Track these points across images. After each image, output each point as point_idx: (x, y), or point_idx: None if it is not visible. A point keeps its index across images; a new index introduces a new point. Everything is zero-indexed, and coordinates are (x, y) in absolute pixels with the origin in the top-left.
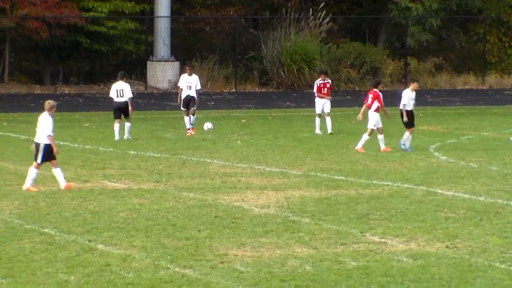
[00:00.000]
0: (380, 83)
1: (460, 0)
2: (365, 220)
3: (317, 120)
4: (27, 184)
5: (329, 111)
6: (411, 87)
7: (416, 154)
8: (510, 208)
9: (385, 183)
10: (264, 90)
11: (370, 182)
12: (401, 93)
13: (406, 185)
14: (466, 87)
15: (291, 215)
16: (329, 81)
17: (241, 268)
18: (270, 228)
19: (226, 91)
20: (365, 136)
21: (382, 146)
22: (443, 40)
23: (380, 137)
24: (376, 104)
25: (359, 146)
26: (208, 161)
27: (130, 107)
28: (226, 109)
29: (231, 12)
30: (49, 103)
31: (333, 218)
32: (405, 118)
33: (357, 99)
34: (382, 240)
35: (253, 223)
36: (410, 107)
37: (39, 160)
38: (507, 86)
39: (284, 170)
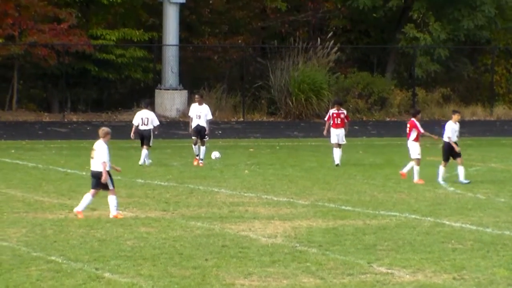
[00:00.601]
0: (419, 112)
1: (468, 31)
2: (372, 251)
3: (335, 150)
4: (113, 212)
5: (343, 142)
6: (453, 118)
7: (423, 185)
8: None
9: (393, 213)
10: (272, 119)
11: (377, 212)
12: (406, 122)
13: (413, 216)
14: (474, 118)
15: (298, 245)
16: (344, 111)
17: None
18: (277, 258)
19: (234, 120)
20: (416, 168)
21: (416, 178)
22: (451, 71)
23: (417, 168)
24: (414, 134)
25: (416, 178)
26: (216, 190)
27: (152, 134)
28: (233, 138)
29: (239, 41)
30: (103, 130)
31: (340, 249)
32: (457, 149)
33: (365, 130)
34: (389, 271)
35: (260, 253)
36: (454, 139)
37: (110, 187)
38: None
39: (291, 200)
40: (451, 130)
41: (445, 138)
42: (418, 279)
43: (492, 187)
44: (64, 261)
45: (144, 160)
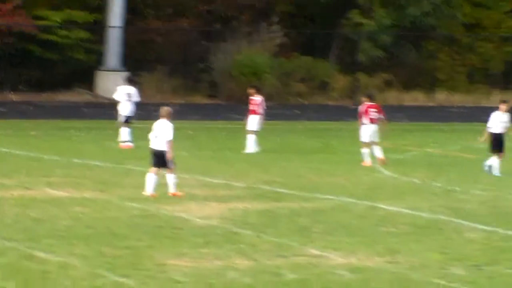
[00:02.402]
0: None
1: (413, 18)
2: (306, 233)
3: (365, 151)
4: (172, 190)
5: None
6: (501, 108)
7: (360, 168)
8: (452, 225)
9: (329, 197)
10: (212, 102)
11: (313, 195)
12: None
13: (349, 200)
14: (415, 103)
15: (232, 227)
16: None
17: (180, 278)
18: (211, 239)
19: (175, 102)
20: (366, 151)
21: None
22: (394, 57)
23: (366, 151)
24: (372, 117)
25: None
26: None
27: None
28: (173, 120)
29: (184, 24)
30: (166, 109)
31: (275, 231)
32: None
33: (306, 113)
34: (323, 253)
35: (194, 234)
36: (499, 130)
37: (172, 166)
38: (455, 103)
39: (228, 182)
40: (495, 120)
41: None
42: (350, 262)
43: (428, 172)
44: None
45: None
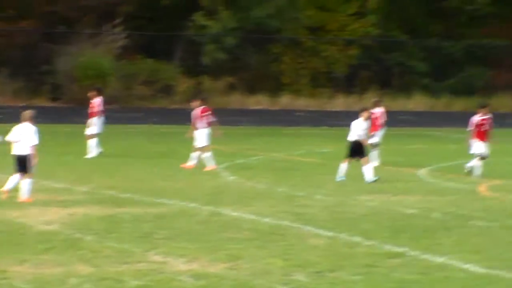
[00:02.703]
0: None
1: (258, 20)
2: (149, 239)
3: (206, 155)
4: (25, 196)
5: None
6: (363, 117)
7: (204, 173)
8: (294, 230)
9: (172, 202)
10: (56, 105)
11: (156, 201)
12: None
13: (192, 205)
14: (258, 107)
15: (74, 232)
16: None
17: (21, 285)
18: (52, 245)
19: (17, 105)
20: (203, 155)
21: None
22: (238, 59)
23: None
24: (206, 121)
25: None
26: None
27: None
28: (15, 122)
29: (26, 26)
30: (28, 113)
31: (117, 236)
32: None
33: (149, 117)
34: (165, 259)
35: (35, 240)
36: (358, 136)
37: (31, 171)
38: (299, 107)
39: (70, 186)
40: (358, 128)
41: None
42: (193, 268)
43: (272, 177)
44: None
45: None
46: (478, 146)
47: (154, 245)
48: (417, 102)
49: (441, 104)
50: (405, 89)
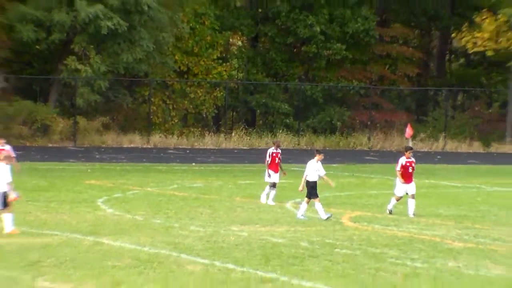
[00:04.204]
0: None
1: (127, 64)
2: (36, 267)
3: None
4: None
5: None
6: (316, 158)
7: (84, 206)
8: (172, 258)
9: (55, 232)
10: None
11: (41, 231)
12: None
13: (75, 235)
14: (132, 145)
15: None
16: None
17: None
18: None
19: None
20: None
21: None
22: (111, 101)
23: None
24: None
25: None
26: None
27: None
28: None
29: None
30: (5, 153)
31: (6, 265)
32: (300, 188)
33: (29, 155)
34: (53, 285)
35: None
36: (314, 178)
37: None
38: (171, 145)
39: None
40: (311, 169)
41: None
42: None
43: (149, 209)
44: None
45: None
46: (402, 188)
47: (42, 272)
48: (282, 140)
49: (304, 141)
50: (270, 128)
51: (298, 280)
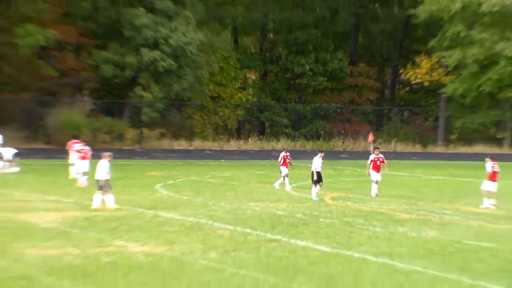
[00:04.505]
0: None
1: (176, 92)
2: (115, 232)
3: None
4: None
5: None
6: (319, 155)
7: (146, 190)
8: (208, 225)
9: (128, 208)
10: (47, 146)
11: (118, 207)
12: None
13: (140, 210)
14: (180, 147)
15: (65, 227)
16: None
17: (34, 261)
18: (52, 236)
19: (22, 147)
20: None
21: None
22: (165, 117)
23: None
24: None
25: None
26: None
27: None
28: (22, 159)
29: (26, 96)
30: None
31: (95, 230)
32: (315, 177)
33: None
34: (126, 244)
35: (41, 232)
36: (319, 169)
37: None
38: (206, 147)
39: (59, 199)
40: (317, 163)
41: (312, 168)
42: (144, 250)
43: (191, 192)
44: None
45: None
46: (375, 175)
47: (119, 235)
48: (283, 144)
49: (298, 145)
50: (275, 135)
51: (295, 240)
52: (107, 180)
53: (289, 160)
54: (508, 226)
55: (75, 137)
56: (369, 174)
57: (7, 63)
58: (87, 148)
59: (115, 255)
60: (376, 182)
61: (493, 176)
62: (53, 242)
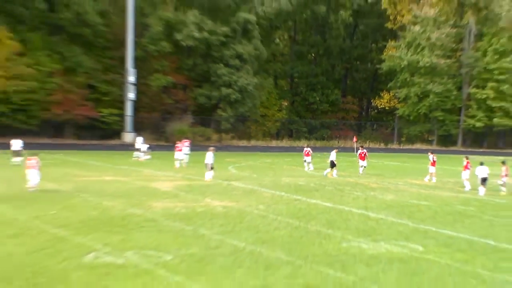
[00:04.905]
0: None
1: (241, 112)
2: (205, 194)
3: (362, 170)
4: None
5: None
6: (335, 151)
7: (222, 169)
8: (259, 191)
9: (219, 181)
10: None
11: (198, 178)
12: None
13: (219, 181)
14: (243, 145)
15: (179, 192)
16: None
17: (159, 211)
18: (168, 196)
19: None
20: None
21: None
22: (235, 127)
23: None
24: None
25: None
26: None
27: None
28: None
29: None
30: (213, 148)
31: (189, 191)
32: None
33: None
34: (211, 201)
35: (162, 194)
36: (334, 159)
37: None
38: (260, 144)
39: (173, 174)
40: (333, 155)
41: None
42: (222, 204)
43: (250, 170)
44: None
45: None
46: (361, 162)
47: (207, 196)
48: (302, 143)
49: (312, 143)
50: (298, 138)
51: (310, 199)
52: (211, 163)
53: (309, 153)
54: (436, 192)
55: (185, 138)
56: (358, 161)
57: (144, 95)
58: (186, 144)
59: (205, 207)
60: (361, 166)
61: (433, 163)
62: (168, 200)
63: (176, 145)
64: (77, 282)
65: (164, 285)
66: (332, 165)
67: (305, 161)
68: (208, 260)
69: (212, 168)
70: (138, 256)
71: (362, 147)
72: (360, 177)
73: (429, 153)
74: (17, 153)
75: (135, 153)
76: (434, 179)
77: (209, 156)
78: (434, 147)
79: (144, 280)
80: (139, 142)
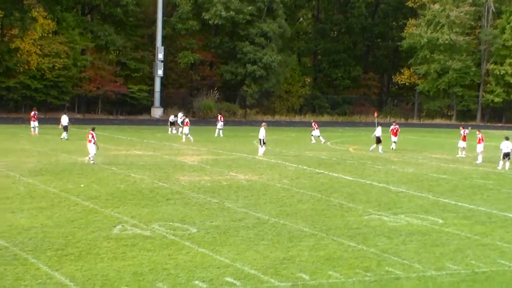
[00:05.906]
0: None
1: (266, 88)
2: (231, 168)
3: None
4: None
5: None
6: (379, 127)
7: (248, 144)
8: (283, 164)
9: (236, 154)
10: None
11: (231, 153)
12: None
13: (244, 155)
14: (267, 119)
15: (205, 166)
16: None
17: (183, 184)
18: (194, 169)
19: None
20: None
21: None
22: (259, 102)
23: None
24: None
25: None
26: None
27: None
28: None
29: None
30: (265, 124)
31: (215, 165)
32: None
33: (229, 124)
34: (236, 175)
35: (188, 167)
36: (379, 134)
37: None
38: (283, 120)
39: (197, 148)
40: (379, 131)
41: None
42: (246, 178)
43: (273, 144)
44: None
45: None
46: (393, 138)
47: (232, 169)
48: (325, 119)
49: (334, 119)
50: (320, 113)
51: (332, 173)
52: (263, 139)
53: (316, 127)
54: (455, 165)
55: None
56: (390, 137)
57: (172, 72)
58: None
59: (230, 181)
60: (393, 142)
61: (464, 138)
62: (195, 173)
63: (186, 120)
64: (106, 253)
65: (189, 256)
66: (378, 141)
67: (312, 135)
68: (232, 232)
69: (264, 143)
70: (165, 228)
71: (395, 122)
72: (386, 152)
73: (461, 128)
74: (65, 128)
75: (173, 129)
76: (463, 154)
77: (262, 132)
78: (453, 121)
79: (169, 252)
80: (179, 117)
